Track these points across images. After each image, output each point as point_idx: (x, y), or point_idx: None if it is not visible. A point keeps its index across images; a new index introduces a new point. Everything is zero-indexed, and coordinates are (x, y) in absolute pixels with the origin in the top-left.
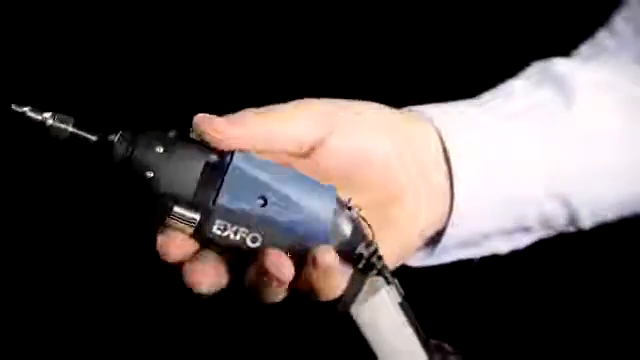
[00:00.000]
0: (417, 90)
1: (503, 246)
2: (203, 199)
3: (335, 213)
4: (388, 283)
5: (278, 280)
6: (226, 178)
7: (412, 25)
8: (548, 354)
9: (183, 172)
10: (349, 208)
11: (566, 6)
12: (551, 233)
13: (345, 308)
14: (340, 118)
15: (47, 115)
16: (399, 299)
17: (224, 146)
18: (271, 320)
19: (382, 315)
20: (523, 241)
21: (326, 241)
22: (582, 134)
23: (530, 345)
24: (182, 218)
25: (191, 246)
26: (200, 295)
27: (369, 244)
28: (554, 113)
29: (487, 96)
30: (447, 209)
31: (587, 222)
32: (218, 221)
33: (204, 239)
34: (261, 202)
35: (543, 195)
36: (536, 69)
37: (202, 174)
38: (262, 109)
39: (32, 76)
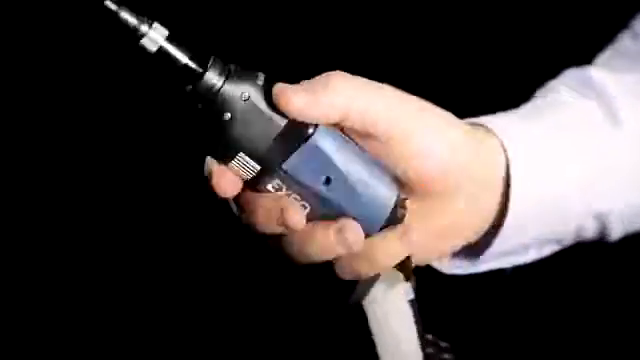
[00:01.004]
0: (418, 90)
1: (535, 255)
2: (271, 157)
3: (390, 213)
4: (407, 280)
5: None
6: (301, 148)
7: (414, 26)
8: (548, 354)
9: (261, 126)
10: (403, 207)
11: (585, 6)
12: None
13: (359, 298)
14: (423, 111)
15: (143, 18)
16: (412, 296)
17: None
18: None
19: (394, 310)
20: (553, 249)
21: (369, 233)
22: (628, 152)
23: (532, 344)
24: (244, 166)
25: (240, 186)
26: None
27: None
28: (603, 133)
29: (538, 100)
30: (495, 221)
31: (616, 236)
32: (276, 181)
33: (255, 188)
34: (324, 181)
35: (584, 212)
36: (575, 76)
37: (280, 133)
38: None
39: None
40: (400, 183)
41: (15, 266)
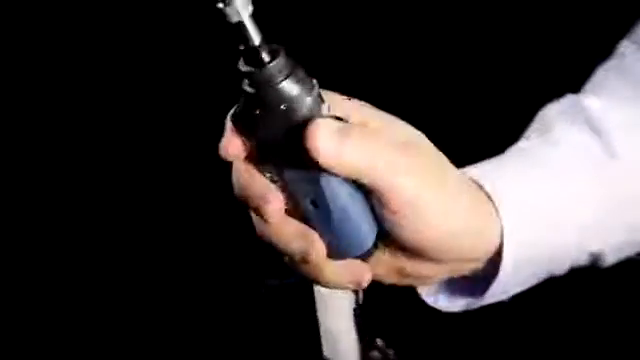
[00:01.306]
0: (418, 91)
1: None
2: (281, 159)
3: (360, 254)
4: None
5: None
6: (309, 171)
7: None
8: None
9: (288, 131)
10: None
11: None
12: None
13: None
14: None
15: None
16: (355, 305)
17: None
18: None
19: (334, 307)
20: (543, 278)
21: (332, 257)
22: (623, 189)
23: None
24: (267, 160)
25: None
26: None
27: None
28: (597, 166)
29: (533, 141)
30: (486, 261)
31: (608, 264)
32: (274, 175)
33: (255, 166)
34: (310, 202)
35: (578, 250)
36: (572, 110)
37: (298, 149)
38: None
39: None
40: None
41: (15, 266)
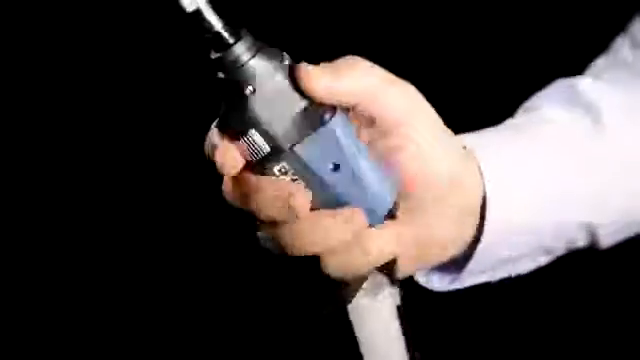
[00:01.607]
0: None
1: (525, 267)
2: (285, 138)
3: (389, 209)
4: (392, 283)
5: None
6: (317, 131)
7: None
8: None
9: (281, 106)
10: (396, 207)
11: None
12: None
13: (343, 302)
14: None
15: None
16: (398, 302)
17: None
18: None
19: (377, 317)
20: (543, 261)
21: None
22: (613, 165)
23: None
24: (253, 145)
25: (241, 166)
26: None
27: None
28: (587, 142)
29: (519, 119)
30: (475, 232)
31: (606, 244)
32: (284, 164)
33: (259, 169)
34: (332, 167)
35: (572, 223)
36: (563, 90)
37: (298, 115)
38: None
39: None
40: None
41: (15, 266)
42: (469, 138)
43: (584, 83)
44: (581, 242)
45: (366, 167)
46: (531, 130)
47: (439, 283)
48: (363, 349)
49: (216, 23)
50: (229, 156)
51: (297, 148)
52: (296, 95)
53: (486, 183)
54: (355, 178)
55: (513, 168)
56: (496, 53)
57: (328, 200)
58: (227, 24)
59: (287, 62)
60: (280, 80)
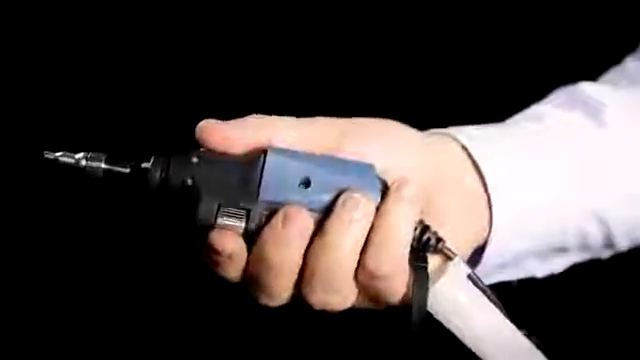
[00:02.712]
0: (419, 94)
1: (539, 269)
2: (247, 197)
3: (380, 182)
4: (451, 258)
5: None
6: (264, 174)
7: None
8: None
9: (222, 175)
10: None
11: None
12: (586, 257)
13: (422, 312)
14: (354, 128)
15: (79, 156)
16: (468, 270)
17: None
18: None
19: (458, 295)
20: (559, 264)
21: None
22: (615, 156)
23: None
24: (230, 216)
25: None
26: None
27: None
28: (587, 134)
29: (516, 117)
30: (487, 226)
31: (624, 243)
32: (263, 210)
33: (252, 234)
34: (303, 184)
35: (579, 213)
36: (563, 93)
37: (240, 175)
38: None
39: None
40: None
41: (15, 267)
42: (465, 134)
43: (583, 85)
44: (597, 239)
45: (332, 169)
46: (529, 122)
47: None
48: (465, 337)
49: (123, 169)
50: (225, 236)
51: (262, 196)
52: (229, 160)
53: (487, 183)
54: (328, 182)
55: (511, 157)
56: (496, 55)
57: (323, 207)
58: (133, 161)
59: (203, 150)
60: (207, 160)
